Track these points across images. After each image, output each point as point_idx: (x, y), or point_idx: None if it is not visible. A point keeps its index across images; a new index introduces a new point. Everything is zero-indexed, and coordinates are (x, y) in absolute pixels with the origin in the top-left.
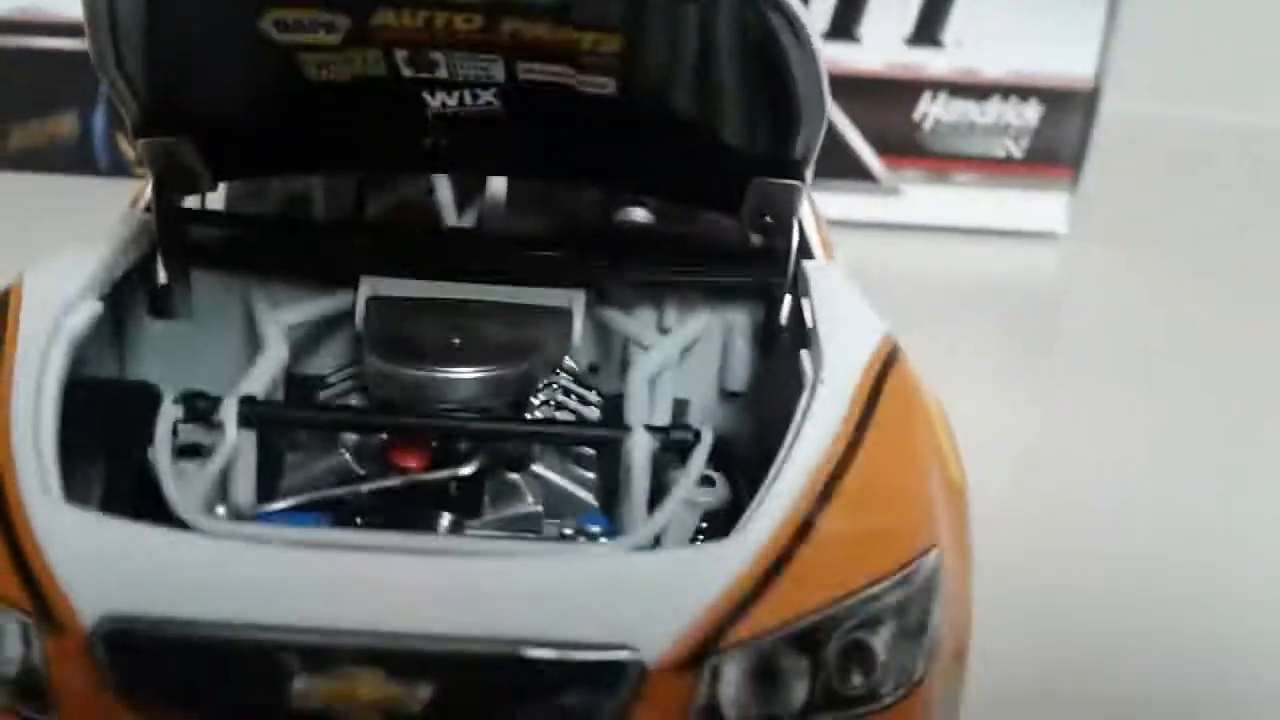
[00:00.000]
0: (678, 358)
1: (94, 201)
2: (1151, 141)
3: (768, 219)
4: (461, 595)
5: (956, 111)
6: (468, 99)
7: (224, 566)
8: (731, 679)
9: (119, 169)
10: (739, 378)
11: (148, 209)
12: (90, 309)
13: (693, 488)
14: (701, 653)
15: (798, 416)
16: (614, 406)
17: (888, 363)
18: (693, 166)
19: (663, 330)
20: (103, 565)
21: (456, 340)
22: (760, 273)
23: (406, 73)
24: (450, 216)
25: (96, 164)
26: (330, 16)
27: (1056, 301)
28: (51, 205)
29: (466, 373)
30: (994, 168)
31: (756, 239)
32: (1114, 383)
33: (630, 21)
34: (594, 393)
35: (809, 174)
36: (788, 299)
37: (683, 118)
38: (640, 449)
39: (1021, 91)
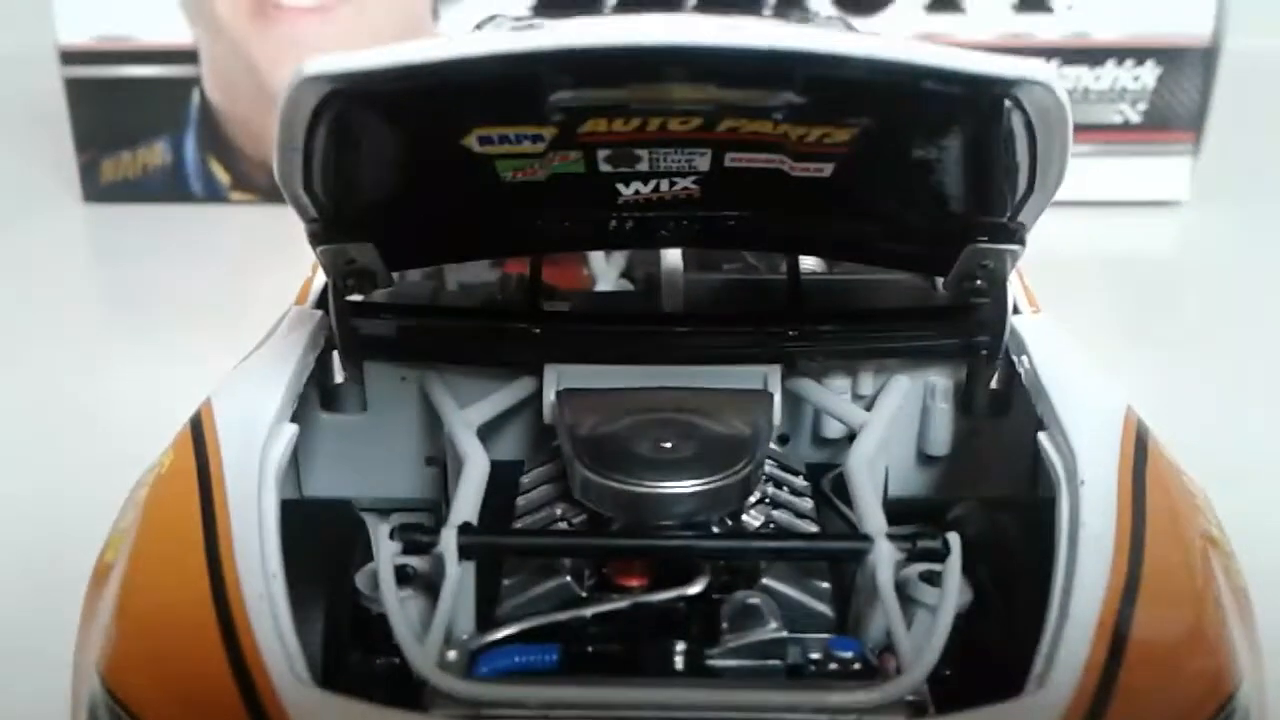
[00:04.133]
0: (885, 434)
1: (191, 229)
2: (1277, 97)
3: (978, 281)
4: None
5: (1069, 78)
6: (664, 186)
7: None
8: None
9: (213, 194)
10: (940, 442)
11: (317, 306)
12: (287, 435)
13: (951, 607)
14: None
15: (1062, 530)
16: (817, 484)
17: (1140, 448)
18: (900, 235)
19: (857, 396)
20: None
21: (667, 444)
22: (966, 332)
23: (605, 169)
24: (612, 275)
25: (190, 191)
26: (539, 129)
27: (1181, 272)
28: (149, 236)
29: (687, 487)
30: (1111, 135)
31: (955, 297)
32: (1242, 353)
33: (867, 115)
34: (800, 476)
35: (1029, 237)
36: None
37: (899, 193)
38: (885, 564)
39: (1137, 53)
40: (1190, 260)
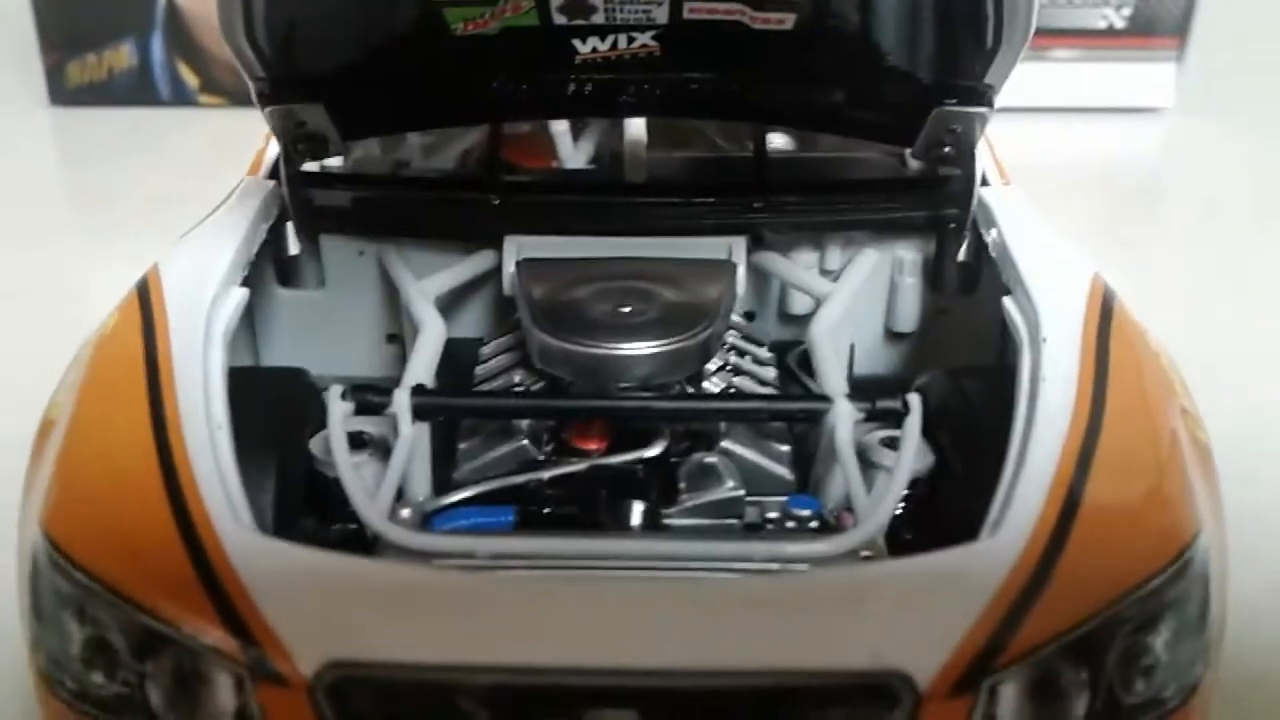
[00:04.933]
0: (850, 305)
1: (159, 133)
2: (1263, 3)
3: (946, 149)
4: (716, 625)
5: None
6: (622, 43)
7: (452, 601)
8: (1010, 699)
9: (181, 97)
10: (908, 318)
11: (271, 176)
12: (237, 298)
13: (909, 465)
14: (978, 672)
15: (1023, 383)
16: (783, 359)
17: (1106, 309)
18: (866, 98)
19: (824, 271)
20: (318, 607)
21: (626, 309)
22: (934, 204)
23: (559, 20)
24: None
25: (158, 94)
26: None
27: (1164, 179)
28: (117, 140)
29: (645, 348)
30: (1095, 41)
31: (926, 167)
32: (1223, 258)
33: None
34: (764, 348)
35: (997, 100)
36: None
37: (863, 50)
38: (844, 423)
39: None
40: (1174, 167)
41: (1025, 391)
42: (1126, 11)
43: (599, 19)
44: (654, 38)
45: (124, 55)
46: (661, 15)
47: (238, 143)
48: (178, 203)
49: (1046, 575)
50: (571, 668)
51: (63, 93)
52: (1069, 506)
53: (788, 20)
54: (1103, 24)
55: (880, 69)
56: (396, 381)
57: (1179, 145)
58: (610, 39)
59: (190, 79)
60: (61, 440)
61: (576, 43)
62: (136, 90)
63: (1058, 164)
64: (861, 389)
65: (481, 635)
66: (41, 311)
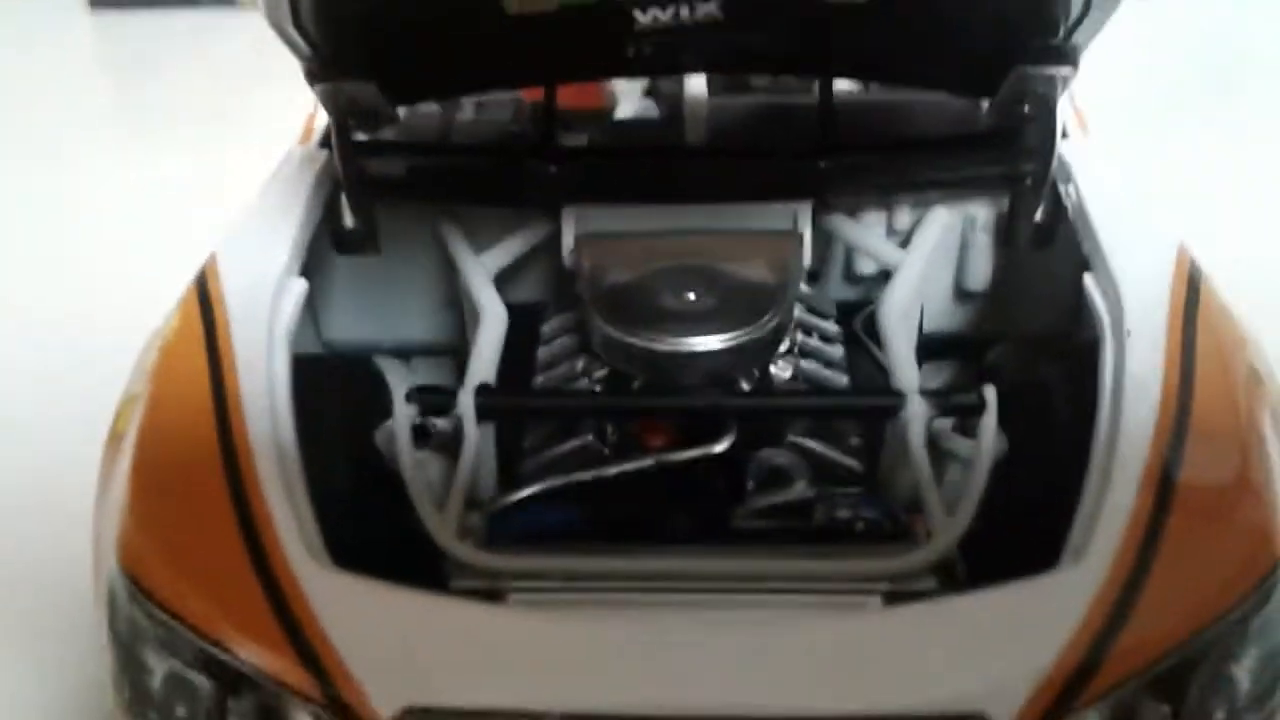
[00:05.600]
0: (921, 275)
1: (200, 35)
2: None
3: (1025, 106)
4: (797, 668)
5: None
6: (684, 12)
7: (531, 644)
8: None
9: None
10: (980, 276)
11: (323, 144)
12: (297, 291)
13: (983, 473)
14: (1059, 711)
15: (1105, 384)
16: (849, 322)
17: (1193, 290)
18: (941, 57)
19: (893, 232)
20: (396, 648)
21: (690, 294)
22: (1010, 160)
23: None
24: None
25: None
26: None
27: (1243, 55)
28: (158, 43)
29: (711, 343)
30: None
31: (999, 120)
32: None
33: None
34: (830, 320)
35: (1081, 59)
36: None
37: (942, 14)
38: (917, 422)
39: None
40: (1251, 39)
41: (1108, 397)
42: None
43: None
44: (718, 7)
45: None
46: None
47: (278, 44)
48: (219, 105)
49: (1130, 606)
50: (647, 715)
51: None
52: (1153, 531)
53: None
54: None
55: (959, 32)
56: (458, 351)
57: (1254, 16)
58: (671, 9)
59: None
60: (130, 463)
61: (637, 13)
62: None
63: (1128, 40)
64: (932, 351)
65: (559, 679)
66: (81, 217)
